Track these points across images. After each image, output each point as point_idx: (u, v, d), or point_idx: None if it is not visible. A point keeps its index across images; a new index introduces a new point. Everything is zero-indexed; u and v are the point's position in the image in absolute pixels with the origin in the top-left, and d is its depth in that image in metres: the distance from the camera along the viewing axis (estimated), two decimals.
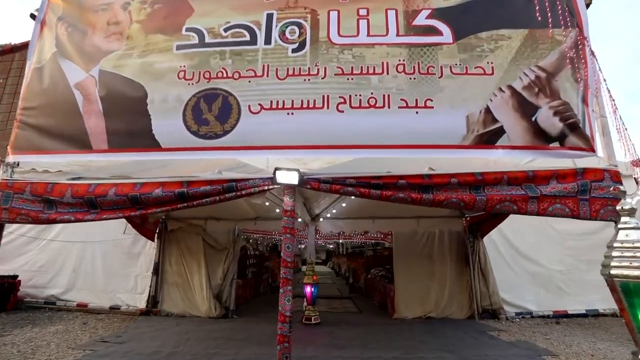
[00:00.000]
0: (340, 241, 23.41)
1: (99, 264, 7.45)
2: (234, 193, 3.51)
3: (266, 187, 3.53)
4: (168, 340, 5.05)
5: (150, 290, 7.21)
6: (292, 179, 3.49)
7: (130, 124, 3.65)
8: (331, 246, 30.86)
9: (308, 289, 6.33)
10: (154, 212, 3.58)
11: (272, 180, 3.53)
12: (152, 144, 3.57)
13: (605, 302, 6.86)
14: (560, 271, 7.07)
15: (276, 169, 3.43)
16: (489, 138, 3.24)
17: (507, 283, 6.91)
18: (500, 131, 3.24)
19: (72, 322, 6.03)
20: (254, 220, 7.41)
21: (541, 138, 3.25)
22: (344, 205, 6.46)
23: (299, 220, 6.90)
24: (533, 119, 3.26)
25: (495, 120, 3.25)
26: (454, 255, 7.11)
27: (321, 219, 7.08)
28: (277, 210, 6.54)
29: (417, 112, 3.24)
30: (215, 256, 7.34)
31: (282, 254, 3.42)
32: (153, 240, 7.39)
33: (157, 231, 7.46)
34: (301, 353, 4.40)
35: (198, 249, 7.33)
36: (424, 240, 7.25)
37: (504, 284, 6.85)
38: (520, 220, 6.39)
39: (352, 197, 6.23)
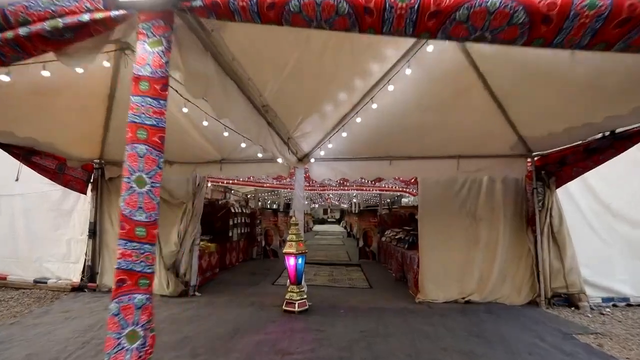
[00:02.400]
0: (354, 199, 21.22)
1: (19, 225, 5.62)
2: None
3: (88, 16, 1.25)
4: (54, 344, 3.15)
5: (86, 259, 5.37)
6: None
7: None
8: (345, 205, 29.08)
9: (291, 262, 4.26)
10: None
11: None
12: None
13: None
14: None
15: None
16: None
17: (589, 254, 4.62)
18: None
19: None
20: (219, 164, 5.23)
21: None
22: (344, 135, 4.13)
23: (279, 161, 4.68)
24: None
25: None
26: (510, 214, 4.81)
27: (312, 160, 4.81)
28: (243, 145, 4.32)
29: None
30: (169, 214, 5.31)
31: (122, 201, 1.24)
32: (85, 193, 5.42)
33: (90, 180, 5.47)
34: None
35: None
36: (465, 191, 4.93)
37: (585, 256, 4.57)
38: (617, 160, 3.92)
39: (356, 119, 3.90)
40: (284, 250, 4.31)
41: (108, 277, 5.32)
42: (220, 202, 8.52)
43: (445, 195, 4.93)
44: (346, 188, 8.22)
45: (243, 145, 4.27)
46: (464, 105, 3.84)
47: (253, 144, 3.83)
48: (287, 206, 22.20)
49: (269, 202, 19.08)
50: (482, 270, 4.74)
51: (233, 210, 8.16)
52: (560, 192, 4.70)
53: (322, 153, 4.64)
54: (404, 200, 20.07)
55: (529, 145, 4.45)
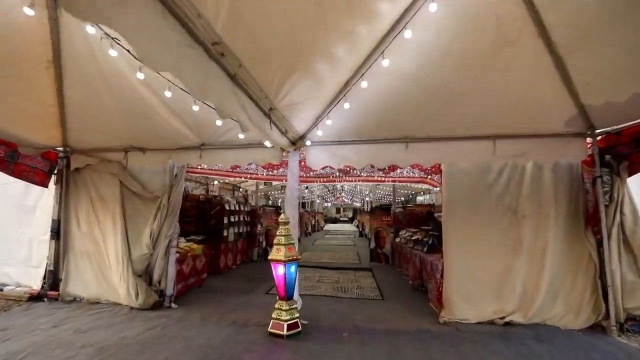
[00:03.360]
0: (366, 197, 19.94)
1: None
2: None
3: None
4: None
5: (48, 263, 4.61)
6: None
7: None
8: (358, 204, 27.96)
9: (279, 272, 3.33)
10: None
11: None
12: None
13: None
14: None
15: None
16: None
17: None
18: None
19: None
20: (199, 150, 4.35)
21: None
22: (346, 106, 3.16)
23: (267, 144, 3.76)
24: None
25: None
26: (563, 210, 3.74)
27: (308, 142, 3.85)
28: (219, 122, 3.41)
29: None
30: (141, 210, 4.50)
31: None
32: (46, 186, 4.66)
33: (54, 172, 4.70)
34: None
35: (113, 198, 4.52)
36: (504, 181, 3.89)
37: None
38: None
39: (361, 83, 2.91)
40: (270, 257, 3.38)
41: (73, 285, 4.54)
42: (217, 198, 7.68)
43: (478, 186, 3.90)
44: (349, 179, 7.19)
45: (219, 122, 3.36)
46: (506, 61, 2.82)
47: (241, 126, 2.87)
48: (301, 205, 21.25)
49: (279, 200, 18.29)
50: (527, 282, 3.69)
51: (228, 208, 7.30)
52: (628, 181, 3.61)
53: (319, 133, 3.67)
54: (419, 199, 18.85)
55: (592, 119, 3.37)
